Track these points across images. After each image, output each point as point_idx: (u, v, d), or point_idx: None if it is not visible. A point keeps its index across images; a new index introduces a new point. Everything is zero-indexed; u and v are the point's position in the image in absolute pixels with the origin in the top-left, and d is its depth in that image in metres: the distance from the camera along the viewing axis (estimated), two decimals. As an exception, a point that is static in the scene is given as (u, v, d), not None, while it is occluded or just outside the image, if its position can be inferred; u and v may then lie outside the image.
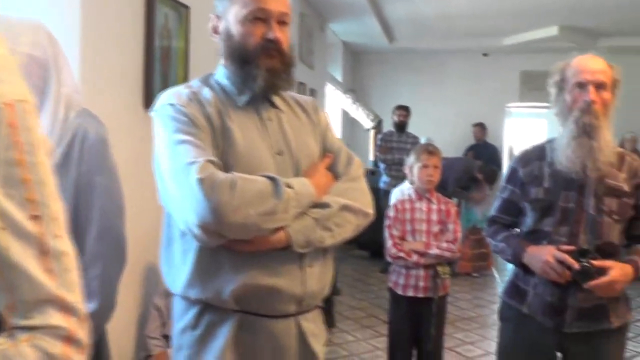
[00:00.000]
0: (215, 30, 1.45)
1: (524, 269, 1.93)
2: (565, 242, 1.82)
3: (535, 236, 1.90)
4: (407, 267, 2.86)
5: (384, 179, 6.32)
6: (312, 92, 6.28)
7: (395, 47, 8.29)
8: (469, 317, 4.97)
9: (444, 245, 2.83)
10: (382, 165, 6.44)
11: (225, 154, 1.34)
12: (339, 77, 7.99)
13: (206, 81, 1.46)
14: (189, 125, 1.31)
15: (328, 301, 4.64)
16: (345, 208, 1.39)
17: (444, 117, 8.47)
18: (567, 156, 1.81)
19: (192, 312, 1.38)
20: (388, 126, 6.79)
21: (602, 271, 1.71)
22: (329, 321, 4.58)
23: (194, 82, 1.46)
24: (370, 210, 1.46)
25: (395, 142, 6.40)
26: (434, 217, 2.89)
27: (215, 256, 1.32)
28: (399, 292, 2.89)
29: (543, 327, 1.89)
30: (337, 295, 5.45)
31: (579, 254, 1.74)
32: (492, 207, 2.09)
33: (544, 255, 1.78)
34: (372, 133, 7.54)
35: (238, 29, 1.38)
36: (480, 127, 7.74)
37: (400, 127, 6.54)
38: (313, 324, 1.46)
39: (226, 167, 1.31)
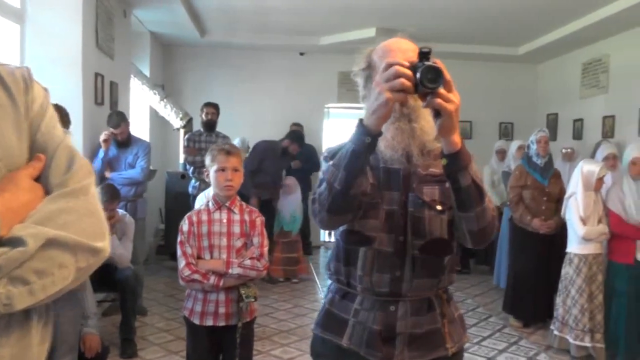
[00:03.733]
0: None
1: (347, 282, 1.58)
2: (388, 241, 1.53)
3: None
4: (205, 291, 2.36)
5: (193, 183, 5.79)
6: (113, 85, 5.48)
7: (209, 40, 7.72)
8: (288, 330, 4.63)
9: (248, 262, 2.38)
10: (190, 168, 5.89)
11: None
12: (147, 71, 7.21)
13: None
14: None
15: (126, 329, 4.01)
16: (52, 244, 0.85)
17: (261, 116, 8.11)
18: (387, 143, 1.49)
19: None
20: (199, 126, 6.23)
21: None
22: (129, 352, 3.91)
23: None
24: (100, 243, 0.91)
25: (204, 142, 5.90)
26: (236, 229, 2.43)
27: None
28: (196, 321, 2.39)
29: None
30: (143, 316, 4.78)
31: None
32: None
33: (375, 93, 1.33)
34: (182, 133, 6.90)
35: None
36: (298, 127, 7.51)
37: (209, 126, 6.02)
38: None
39: None
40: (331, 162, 1.45)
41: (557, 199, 4.58)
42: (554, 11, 6.21)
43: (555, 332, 4.26)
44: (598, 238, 4.06)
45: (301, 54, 8.28)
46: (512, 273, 4.94)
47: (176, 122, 6.89)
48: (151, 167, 6.65)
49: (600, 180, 4.08)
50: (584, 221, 4.06)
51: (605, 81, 7.01)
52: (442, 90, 1.30)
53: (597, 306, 4.06)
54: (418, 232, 1.53)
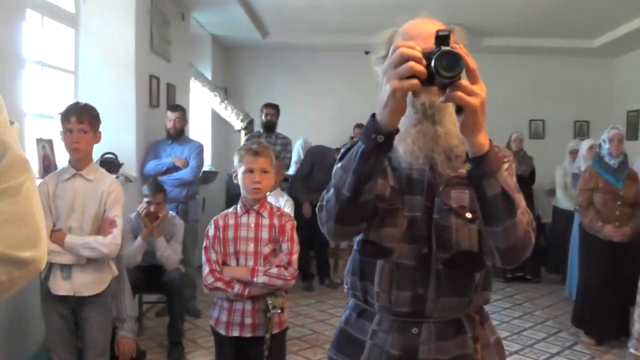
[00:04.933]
0: None
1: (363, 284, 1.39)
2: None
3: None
4: (230, 300, 2.24)
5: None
6: (170, 88, 5.53)
7: (270, 42, 7.69)
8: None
9: (274, 271, 2.24)
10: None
11: None
12: (208, 74, 7.27)
13: None
14: None
15: (173, 331, 3.98)
16: None
17: (323, 117, 8.00)
18: (406, 148, 1.30)
19: None
20: (260, 127, 6.19)
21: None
22: (175, 355, 3.88)
23: None
24: (28, 252, 0.79)
25: (264, 143, 5.83)
26: (265, 234, 2.30)
27: None
28: (222, 332, 2.27)
29: None
30: (196, 318, 4.75)
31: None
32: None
33: (386, 84, 1.12)
34: (242, 134, 6.89)
35: None
36: (360, 128, 7.31)
37: (269, 127, 5.96)
38: None
39: None
40: (339, 165, 1.27)
41: (633, 204, 4.15)
42: (630, 0, 5.69)
43: (632, 351, 3.85)
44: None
45: (366, 52, 8.06)
46: (582, 284, 4.52)
47: (237, 123, 6.89)
48: (213, 169, 6.72)
49: None
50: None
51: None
52: (463, 82, 1.08)
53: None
54: (444, 243, 1.32)
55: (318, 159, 5.96)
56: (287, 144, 5.98)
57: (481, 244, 1.33)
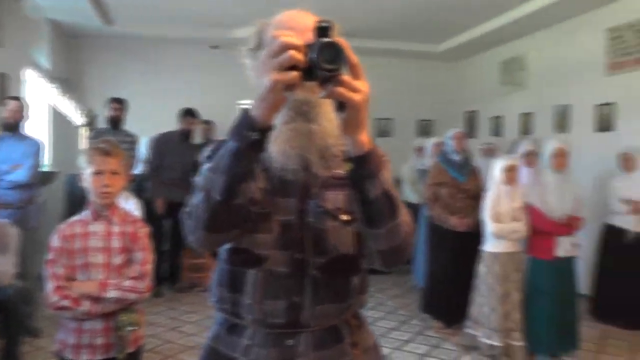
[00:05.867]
0: None
1: (234, 312, 1.28)
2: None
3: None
4: (78, 319, 2.00)
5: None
6: (2, 77, 4.90)
7: (116, 31, 7.16)
8: (195, 345, 4.25)
9: (127, 283, 2.04)
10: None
11: None
12: (48, 63, 6.57)
13: None
14: None
15: (9, 357, 3.51)
16: None
17: (172, 114, 7.64)
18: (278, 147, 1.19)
19: None
20: (105, 123, 5.73)
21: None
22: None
23: None
24: None
25: (110, 140, 5.41)
26: (116, 243, 2.08)
27: None
28: (69, 356, 2.02)
29: None
30: (35, 337, 4.27)
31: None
32: None
33: (264, 76, 1.01)
34: (83, 130, 6.34)
35: None
36: (208, 124, 7.07)
37: (115, 122, 5.57)
38: None
39: None
40: (207, 166, 1.15)
41: (476, 196, 4.49)
42: (473, 9, 6.19)
43: (469, 331, 4.18)
44: (510, 236, 3.98)
45: (213, 47, 7.84)
46: (430, 272, 4.82)
47: (79, 118, 6.33)
48: (52, 169, 6.09)
49: (512, 173, 4.00)
50: (497, 218, 3.99)
51: (523, 79, 7.10)
52: (346, 77, 1.01)
53: (513, 305, 3.99)
54: (319, 247, 1.25)
55: (165, 146, 5.73)
56: (134, 142, 5.62)
57: (359, 246, 1.29)
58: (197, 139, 6.43)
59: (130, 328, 1.99)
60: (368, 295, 1.40)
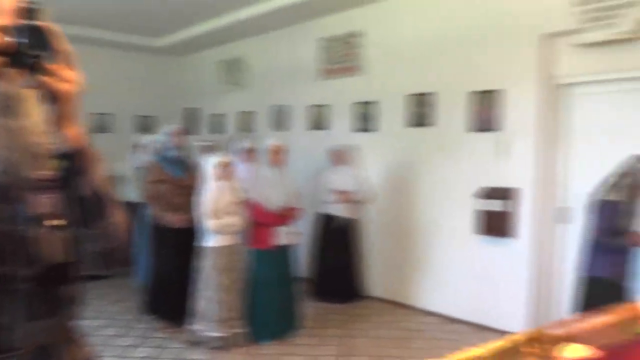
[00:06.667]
0: None
1: None
2: None
3: None
4: None
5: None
6: None
7: None
8: None
9: None
10: None
11: None
12: None
13: None
14: None
15: None
16: None
17: None
18: None
19: None
20: None
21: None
22: None
23: None
24: None
25: None
26: None
27: None
28: None
29: None
30: None
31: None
32: None
33: None
34: None
35: None
36: None
37: None
38: None
39: None
40: None
41: (194, 192, 4.52)
42: (192, 8, 6.22)
43: (195, 326, 4.21)
44: (227, 230, 4.12)
45: None
46: (154, 271, 4.69)
47: None
48: None
49: (226, 170, 4.13)
50: (214, 214, 4.07)
51: (243, 79, 7.42)
52: (55, 66, 0.92)
53: (235, 295, 4.14)
54: (27, 257, 1.09)
55: None
56: None
57: (72, 253, 1.16)
58: None
59: None
60: (84, 306, 1.28)
